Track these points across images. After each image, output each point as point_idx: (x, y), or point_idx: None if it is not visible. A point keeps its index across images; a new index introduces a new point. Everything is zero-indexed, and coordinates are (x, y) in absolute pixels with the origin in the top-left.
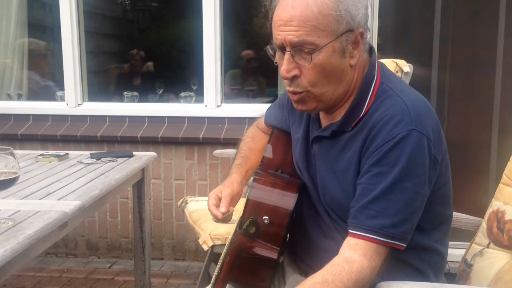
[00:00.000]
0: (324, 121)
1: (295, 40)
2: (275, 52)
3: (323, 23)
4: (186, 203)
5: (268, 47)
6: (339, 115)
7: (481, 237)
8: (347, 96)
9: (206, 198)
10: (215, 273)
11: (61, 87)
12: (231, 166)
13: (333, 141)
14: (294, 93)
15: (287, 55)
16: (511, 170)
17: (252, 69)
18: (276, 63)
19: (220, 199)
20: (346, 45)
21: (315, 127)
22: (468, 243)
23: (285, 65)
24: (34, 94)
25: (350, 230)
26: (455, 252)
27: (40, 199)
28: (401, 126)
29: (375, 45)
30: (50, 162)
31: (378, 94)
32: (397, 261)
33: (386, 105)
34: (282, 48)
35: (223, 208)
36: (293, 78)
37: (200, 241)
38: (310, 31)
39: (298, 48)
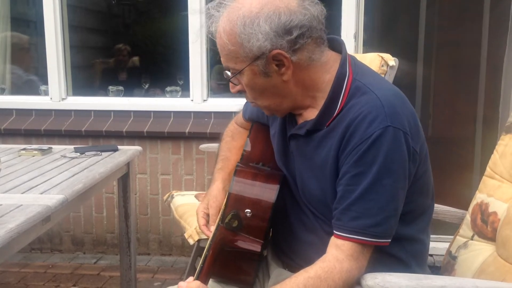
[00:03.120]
0: (299, 118)
1: (224, 65)
2: None
3: (233, 52)
4: (172, 197)
5: None
6: (313, 113)
7: (465, 229)
8: (311, 98)
9: (192, 192)
10: (198, 266)
11: (45, 82)
12: (214, 170)
13: (308, 139)
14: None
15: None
16: (494, 163)
17: None
18: None
19: (208, 215)
20: (266, 67)
21: (291, 123)
22: (453, 236)
23: (230, 83)
24: (17, 88)
25: (335, 231)
26: (439, 246)
27: (22, 193)
28: (376, 123)
29: (360, 41)
30: (33, 156)
31: (352, 92)
32: (381, 253)
33: (361, 103)
34: None
35: (212, 228)
36: (241, 92)
37: (186, 235)
38: (227, 59)
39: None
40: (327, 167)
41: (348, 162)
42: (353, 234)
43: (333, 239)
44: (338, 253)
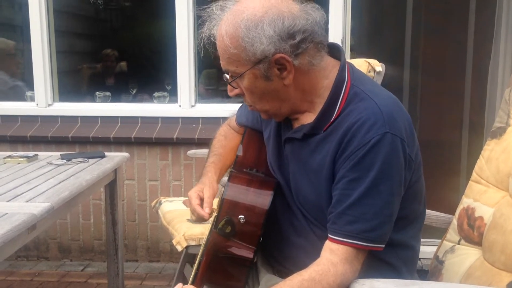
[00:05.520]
0: (295, 122)
1: (224, 68)
2: None
3: (234, 55)
4: (160, 203)
5: None
6: (310, 117)
7: (452, 234)
8: (309, 103)
9: (180, 198)
10: (193, 273)
11: (31, 87)
12: (206, 164)
13: (304, 143)
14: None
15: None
16: (480, 168)
17: None
18: None
19: (202, 199)
20: (268, 70)
21: (286, 127)
22: (440, 240)
23: (228, 86)
24: (3, 94)
25: (330, 235)
26: (427, 249)
27: (7, 201)
28: (374, 129)
29: (348, 46)
30: (19, 163)
31: (350, 97)
32: (372, 259)
33: (359, 109)
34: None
35: (207, 209)
36: (240, 95)
37: (174, 242)
38: (228, 62)
39: (228, 74)
40: (323, 171)
41: (346, 167)
42: (348, 238)
43: (327, 243)
44: (333, 256)
